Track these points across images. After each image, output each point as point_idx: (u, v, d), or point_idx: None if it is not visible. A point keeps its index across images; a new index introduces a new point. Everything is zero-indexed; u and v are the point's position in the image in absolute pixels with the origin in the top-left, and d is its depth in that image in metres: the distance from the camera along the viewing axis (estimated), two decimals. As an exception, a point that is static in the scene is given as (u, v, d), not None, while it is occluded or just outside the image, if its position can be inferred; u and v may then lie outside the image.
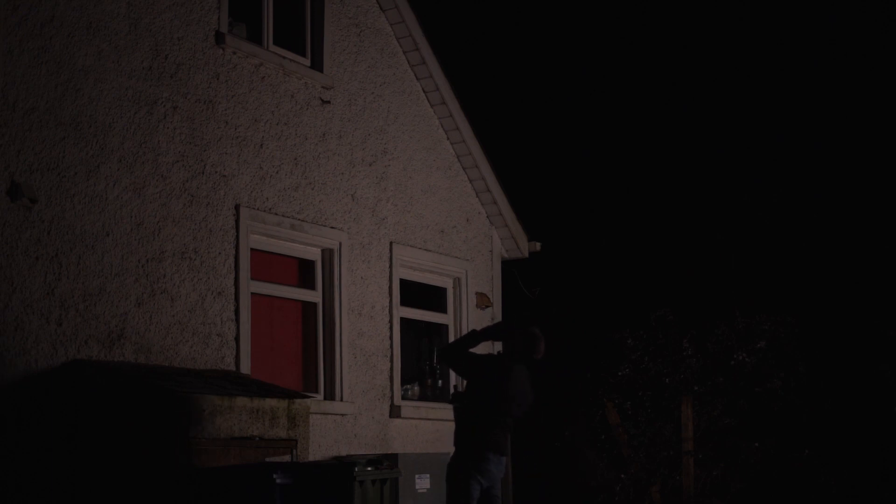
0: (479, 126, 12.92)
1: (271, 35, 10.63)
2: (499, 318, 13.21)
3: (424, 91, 12.45)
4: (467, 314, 12.75)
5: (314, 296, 10.90)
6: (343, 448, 10.68)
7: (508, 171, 13.63)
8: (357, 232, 11.28)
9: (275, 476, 7.50)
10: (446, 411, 12.26)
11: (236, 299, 9.77)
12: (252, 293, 10.03)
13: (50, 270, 8.26)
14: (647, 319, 13.83)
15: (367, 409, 11.08)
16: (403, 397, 11.86)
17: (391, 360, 11.52)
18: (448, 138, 12.74)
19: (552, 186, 19.67)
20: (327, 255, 11.00)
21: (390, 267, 11.68)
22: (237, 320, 9.74)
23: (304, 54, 11.03)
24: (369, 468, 8.48)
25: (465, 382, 8.86)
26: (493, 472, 8.04)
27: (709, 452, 13.29)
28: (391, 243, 11.71)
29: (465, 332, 12.64)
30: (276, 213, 10.31)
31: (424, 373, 12.64)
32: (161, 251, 9.15)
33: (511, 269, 13.77)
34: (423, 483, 10.10)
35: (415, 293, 12.23)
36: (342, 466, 8.40)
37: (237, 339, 9.72)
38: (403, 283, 11.97)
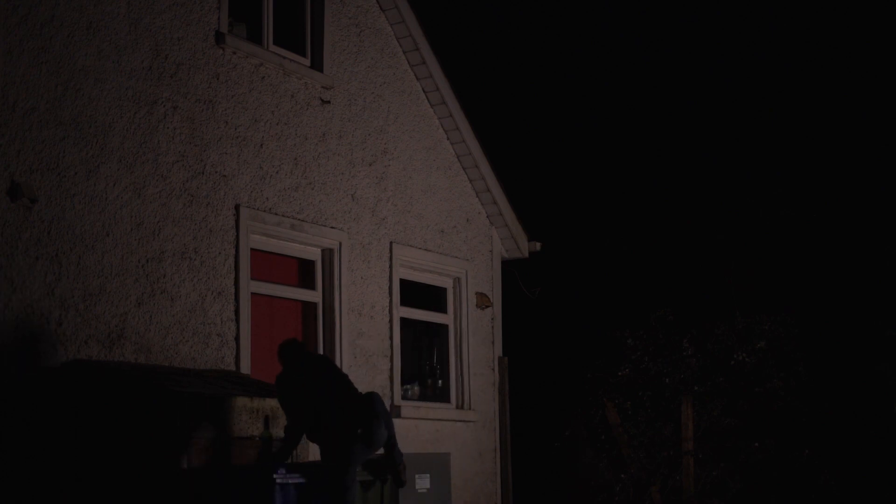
0: (479, 126, 12.92)
1: (271, 35, 10.63)
2: (499, 318, 13.22)
3: (424, 91, 12.45)
4: (467, 314, 12.76)
5: (314, 296, 10.90)
6: (343, 448, 10.67)
7: (508, 171, 13.63)
8: (357, 232, 11.28)
9: (275, 476, 7.50)
10: (446, 411, 12.30)
11: (236, 299, 9.77)
12: (252, 293, 10.04)
13: (50, 270, 8.26)
14: (647, 319, 13.81)
15: (367, 409, 11.07)
16: (403, 397, 11.86)
17: (391, 360, 11.52)
18: (448, 138, 12.74)
19: (552, 186, 19.66)
20: (327, 255, 11.00)
21: (390, 267, 11.68)
22: (237, 320, 9.74)
23: (304, 54, 11.03)
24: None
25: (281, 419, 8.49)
26: (364, 457, 7.96)
27: (709, 452, 13.27)
28: (391, 243, 11.71)
29: (465, 331, 12.70)
30: (276, 213, 10.31)
31: (424, 373, 12.64)
32: (161, 251, 9.15)
33: (511, 269, 13.77)
34: (423, 483, 10.08)
35: (415, 293, 12.23)
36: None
37: (237, 339, 9.72)
38: (403, 283, 11.97)
